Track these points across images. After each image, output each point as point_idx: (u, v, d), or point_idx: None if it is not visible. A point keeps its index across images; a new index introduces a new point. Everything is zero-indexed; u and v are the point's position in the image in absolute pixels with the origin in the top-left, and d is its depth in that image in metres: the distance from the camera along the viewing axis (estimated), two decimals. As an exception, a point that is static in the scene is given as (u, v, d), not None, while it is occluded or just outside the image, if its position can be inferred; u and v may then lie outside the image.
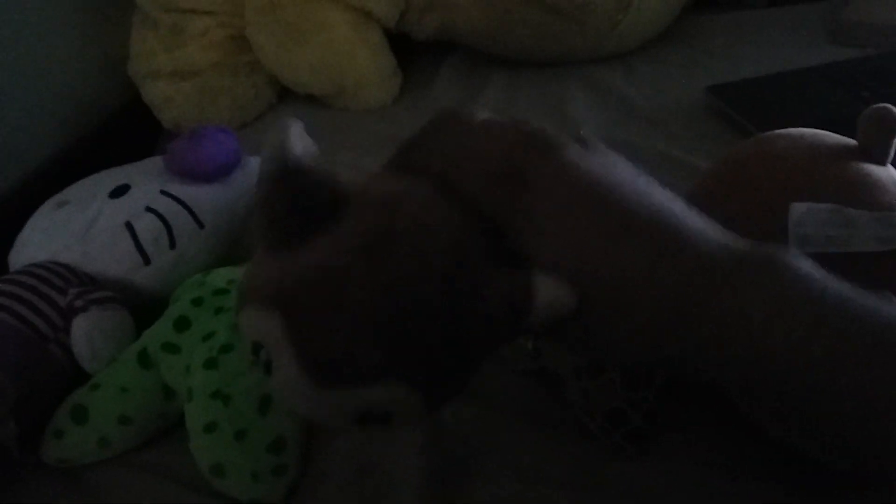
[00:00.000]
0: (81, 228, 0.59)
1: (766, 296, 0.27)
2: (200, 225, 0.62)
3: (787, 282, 0.27)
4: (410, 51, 1.08)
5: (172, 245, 0.60)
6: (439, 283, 0.28)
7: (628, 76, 0.97)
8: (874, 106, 0.47)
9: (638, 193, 0.30)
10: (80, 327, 0.53)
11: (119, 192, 0.62)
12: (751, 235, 0.41)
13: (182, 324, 0.52)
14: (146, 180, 0.63)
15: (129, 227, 0.59)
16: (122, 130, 1.04)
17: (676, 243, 0.29)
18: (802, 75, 0.84)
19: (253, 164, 0.70)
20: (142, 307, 0.59)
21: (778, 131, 0.50)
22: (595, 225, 0.29)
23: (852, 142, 0.48)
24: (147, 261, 0.59)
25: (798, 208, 0.42)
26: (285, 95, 1.06)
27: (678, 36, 1.04)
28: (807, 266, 0.28)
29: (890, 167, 0.47)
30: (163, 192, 0.62)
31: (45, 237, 0.60)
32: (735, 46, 0.99)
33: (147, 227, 0.59)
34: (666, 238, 0.29)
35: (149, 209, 0.60)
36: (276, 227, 0.29)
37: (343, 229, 0.28)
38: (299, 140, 0.31)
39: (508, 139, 0.30)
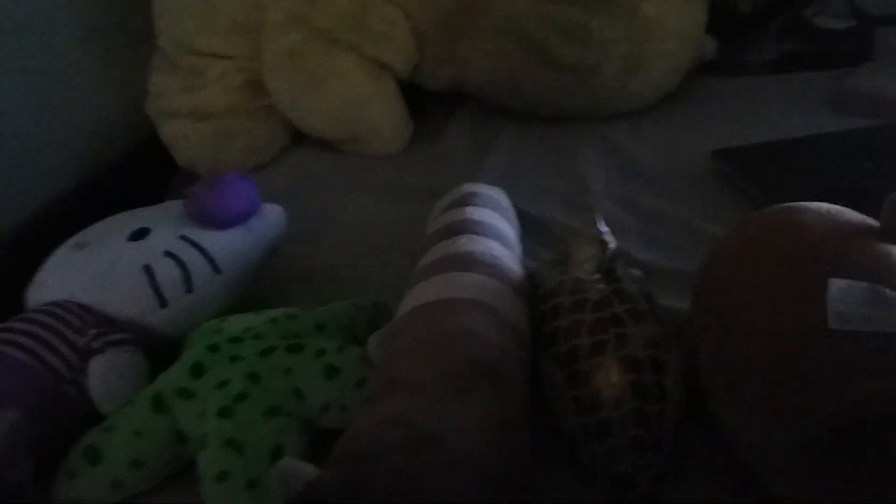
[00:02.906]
0: (101, 270, 0.60)
1: None
2: (217, 270, 0.63)
3: None
4: (423, 100, 1.10)
5: (189, 289, 0.61)
6: None
7: (635, 135, 1.00)
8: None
9: None
10: (97, 368, 0.54)
11: (139, 235, 0.63)
12: (783, 302, 0.42)
13: (197, 370, 0.53)
14: (165, 224, 0.65)
15: (147, 270, 0.60)
16: (138, 167, 1.06)
17: None
18: (805, 143, 0.86)
19: (269, 211, 0.72)
20: (156, 348, 0.60)
21: (801, 203, 0.50)
22: None
23: (874, 222, 0.48)
24: (164, 304, 0.60)
25: (837, 284, 0.41)
26: (299, 139, 1.08)
27: (684, 98, 1.07)
28: None
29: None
30: (181, 237, 0.63)
31: (65, 277, 0.61)
32: (740, 111, 1.02)
33: (165, 270, 0.61)
34: None
35: (167, 253, 0.62)
36: None
37: None
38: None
39: None
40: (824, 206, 0.49)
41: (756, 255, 0.47)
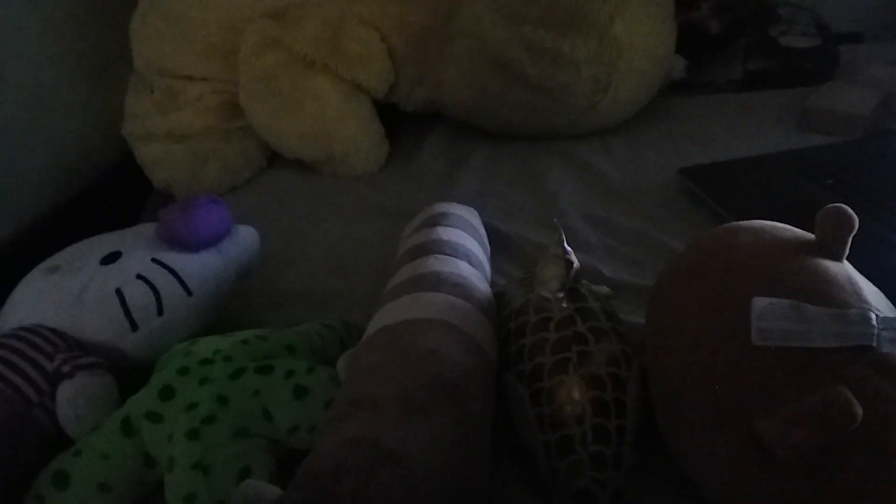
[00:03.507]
0: (72, 294, 0.60)
1: None
2: (189, 292, 0.64)
3: None
4: (398, 120, 1.11)
5: (160, 312, 0.62)
6: None
7: (606, 154, 1.02)
8: (831, 205, 0.49)
9: None
10: (65, 393, 0.55)
11: (110, 258, 0.63)
12: (715, 323, 0.44)
13: (166, 393, 0.53)
14: (137, 247, 0.65)
15: (118, 293, 0.61)
16: (114, 190, 1.06)
17: None
18: (770, 161, 0.88)
19: (242, 233, 0.72)
20: (127, 372, 0.60)
21: (742, 223, 0.53)
22: None
23: (811, 237, 0.50)
24: (135, 327, 0.60)
25: (759, 303, 0.44)
26: (275, 160, 1.09)
27: (654, 116, 1.09)
28: None
29: (846, 263, 0.50)
30: (153, 260, 0.64)
31: (35, 301, 0.61)
32: (707, 129, 1.04)
33: (137, 294, 0.61)
34: None
35: (139, 276, 0.62)
36: None
37: None
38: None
39: None
40: (762, 224, 0.51)
41: (693, 275, 0.49)
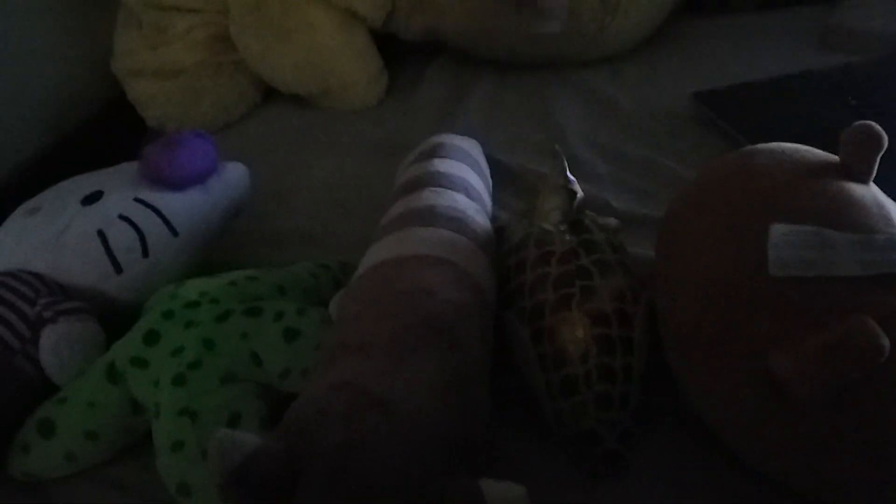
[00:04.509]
0: (52, 236, 0.58)
1: None
2: (174, 233, 0.61)
3: None
4: (398, 52, 1.06)
5: (145, 253, 0.59)
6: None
7: (615, 80, 0.96)
8: (856, 123, 0.46)
9: None
10: (49, 339, 0.52)
11: (92, 199, 0.61)
12: (729, 253, 0.41)
13: (151, 338, 0.51)
14: (120, 187, 0.62)
15: (101, 235, 0.58)
16: (107, 128, 1.03)
17: None
18: (788, 82, 0.83)
19: (230, 170, 0.69)
20: (114, 316, 0.58)
21: (759, 146, 0.49)
22: None
23: (835, 158, 0.47)
24: (119, 269, 0.58)
25: (777, 230, 0.40)
26: (270, 96, 1.04)
27: (666, 40, 1.03)
28: None
29: (872, 186, 0.46)
30: (136, 200, 0.61)
31: (16, 244, 0.59)
32: (722, 51, 0.98)
33: (120, 235, 0.58)
34: None
35: (122, 217, 0.59)
36: None
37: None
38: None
39: None
40: (783, 146, 0.47)
41: (706, 202, 0.46)
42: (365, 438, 0.34)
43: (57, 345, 0.52)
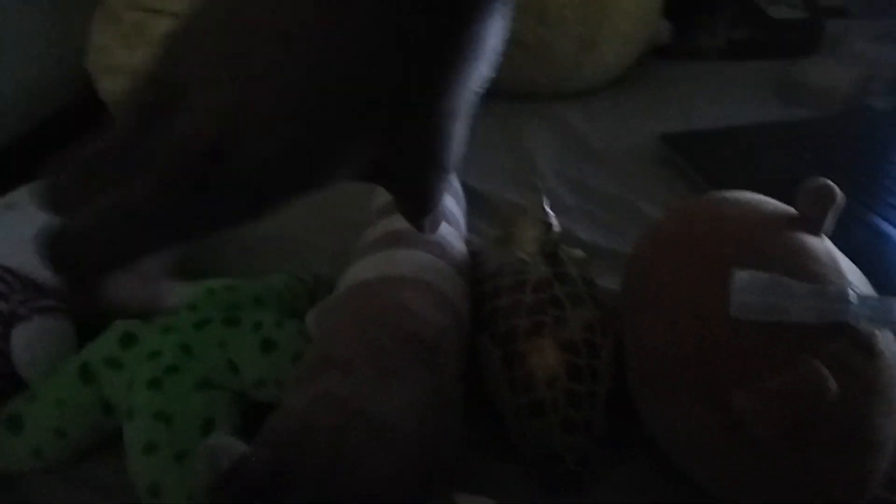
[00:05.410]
0: (29, 232, 0.58)
1: None
2: (153, 237, 0.61)
3: None
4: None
5: (123, 255, 0.59)
6: None
7: (587, 116, 1.00)
8: (812, 179, 0.49)
9: None
10: (21, 336, 0.52)
11: (71, 197, 0.61)
12: (699, 292, 0.44)
13: (128, 340, 0.52)
14: (100, 187, 0.62)
15: (79, 234, 0.58)
16: (77, 125, 1.02)
17: None
18: (750, 132, 0.88)
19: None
20: (89, 316, 0.58)
21: (725, 193, 0.52)
22: None
23: (792, 210, 0.50)
24: (95, 270, 0.58)
25: (740, 275, 0.43)
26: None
27: (636, 81, 1.07)
28: None
29: (825, 238, 0.49)
30: (117, 201, 0.61)
31: (-10, 239, 0.58)
32: (689, 95, 1.03)
33: (98, 235, 0.58)
34: None
35: (101, 217, 0.59)
36: None
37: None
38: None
39: None
40: (747, 196, 0.51)
41: (673, 243, 0.48)
42: (353, 450, 0.36)
43: (30, 341, 0.52)
